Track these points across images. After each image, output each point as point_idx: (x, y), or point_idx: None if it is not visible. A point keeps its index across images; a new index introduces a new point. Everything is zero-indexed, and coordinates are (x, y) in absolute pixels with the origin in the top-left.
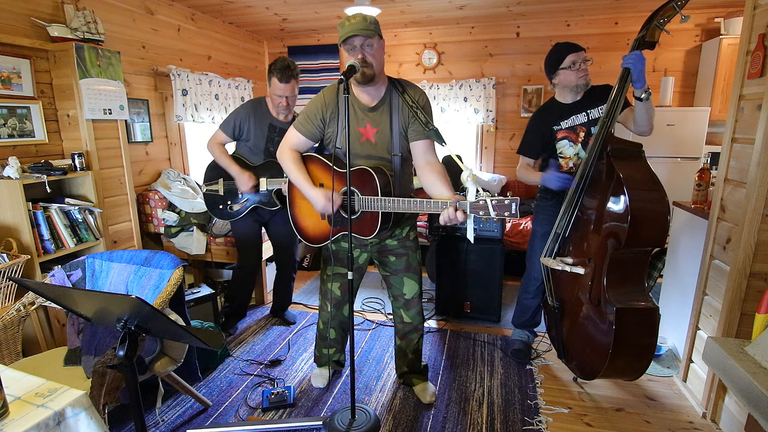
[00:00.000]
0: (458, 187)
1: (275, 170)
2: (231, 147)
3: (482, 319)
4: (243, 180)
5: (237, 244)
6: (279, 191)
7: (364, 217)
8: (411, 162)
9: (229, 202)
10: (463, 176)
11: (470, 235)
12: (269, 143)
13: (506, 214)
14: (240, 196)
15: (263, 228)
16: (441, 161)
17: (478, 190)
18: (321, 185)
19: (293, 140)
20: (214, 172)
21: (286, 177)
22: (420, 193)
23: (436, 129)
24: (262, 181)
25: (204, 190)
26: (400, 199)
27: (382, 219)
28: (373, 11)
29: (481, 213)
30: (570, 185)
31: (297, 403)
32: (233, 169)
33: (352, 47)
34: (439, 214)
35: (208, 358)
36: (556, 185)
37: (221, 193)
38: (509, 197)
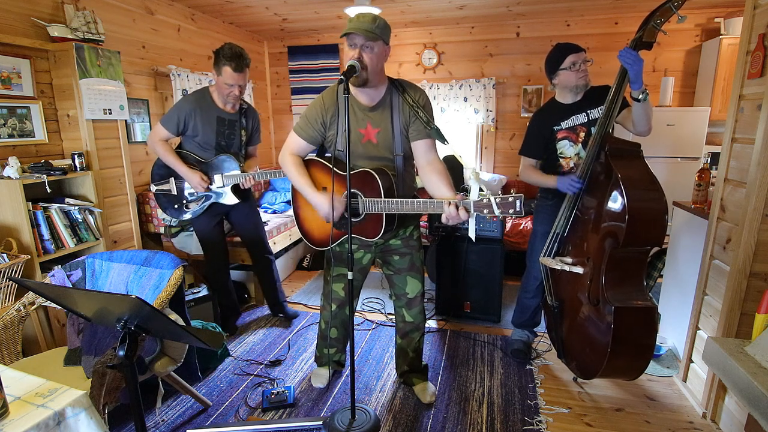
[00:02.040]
0: (459, 185)
1: (228, 164)
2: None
3: (482, 319)
4: (194, 181)
5: (201, 243)
6: (236, 186)
7: (368, 219)
8: (413, 161)
9: (184, 201)
10: (466, 174)
11: (472, 234)
12: (219, 137)
13: (511, 211)
14: (195, 194)
15: (225, 219)
16: (442, 159)
17: (481, 189)
18: (324, 189)
19: (294, 145)
20: (162, 170)
21: (253, 173)
22: (423, 192)
23: (437, 128)
24: (217, 177)
25: (154, 191)
26: (404, 200)
27: (386, 221)
28: (373, 11)
29: (485, 211)
30: (574, 192)
31: (297, 403)
32: (181, 169)
33: (353, 44)
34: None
35: (208, 358)
36: (570, 190)
37: (174, 192)
38: (514, 194)
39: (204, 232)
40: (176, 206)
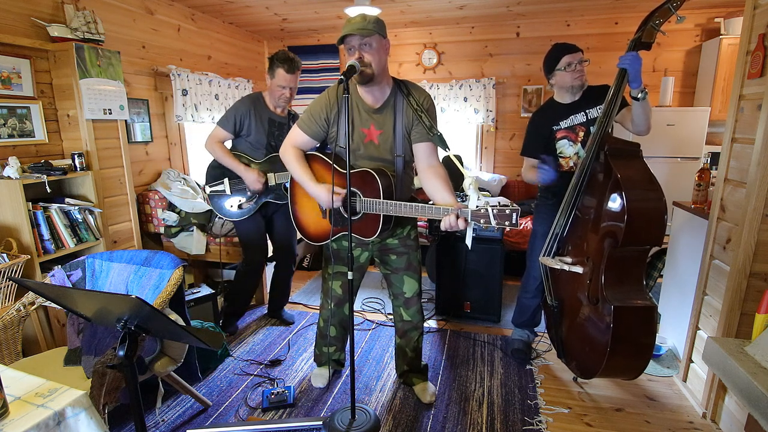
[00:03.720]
0: (457, 188)
1: (280, 163)
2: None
3: (482, 319)
4: (251, 178)
5: (243, 242)
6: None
7: (366, 218)
8: (412, 163)
9: (240, 200)
10: (465, 183)
11: (468, 242)
12: (270, 138)
13: (507, 223)
14: (249, 193)
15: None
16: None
17: (479, 198)
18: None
19: (296, 139)
20: (217, 171)
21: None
22: (420, 193)
23: (440, 134)
24: (270, 176)
25: (209, 192)
26: (403, 203)
27: (383, 220)
28: (373, 11)
29: (482, 221)
30: (550, 180)
31: (297, 403)
32: (239, 169)
33: (350, 47)
34: (440, 220)
35: (208, 358)
36: (541, 179)
37: (228, 192)
38: (510, 207)
39: (250, 231)
40: (231, 206)
